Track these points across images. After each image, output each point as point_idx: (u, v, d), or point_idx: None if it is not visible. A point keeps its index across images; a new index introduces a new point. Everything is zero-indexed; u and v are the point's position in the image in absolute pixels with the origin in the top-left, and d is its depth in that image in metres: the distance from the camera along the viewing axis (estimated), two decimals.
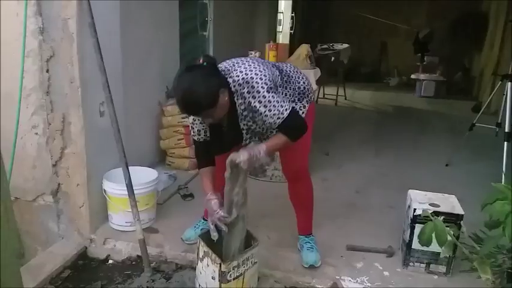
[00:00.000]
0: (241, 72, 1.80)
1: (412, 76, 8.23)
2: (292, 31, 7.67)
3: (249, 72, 1.79)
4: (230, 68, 1.83)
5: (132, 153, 2.57)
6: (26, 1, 2.08)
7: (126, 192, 2.20)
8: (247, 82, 1.77)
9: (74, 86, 2.18)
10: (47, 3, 2.12)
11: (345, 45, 6.91)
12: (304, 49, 3.65)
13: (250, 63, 1.85)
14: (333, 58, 6.68)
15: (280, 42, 7.15)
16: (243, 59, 1.91)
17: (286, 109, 1.80)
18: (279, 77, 1.93)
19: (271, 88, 1.79)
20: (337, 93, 6.77)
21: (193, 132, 1.99)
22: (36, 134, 2.29)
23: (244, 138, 1.98)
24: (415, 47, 8.31)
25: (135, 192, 2.22)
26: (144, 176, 2.51)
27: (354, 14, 8.94)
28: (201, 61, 1.73)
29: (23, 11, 2.09)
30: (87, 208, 2.35)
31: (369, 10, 8.82)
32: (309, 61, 3.60)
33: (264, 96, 1.77)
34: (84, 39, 2.14)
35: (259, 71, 1.80)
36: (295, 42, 7.10)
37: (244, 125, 1.92)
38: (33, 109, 2.25)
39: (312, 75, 3.41)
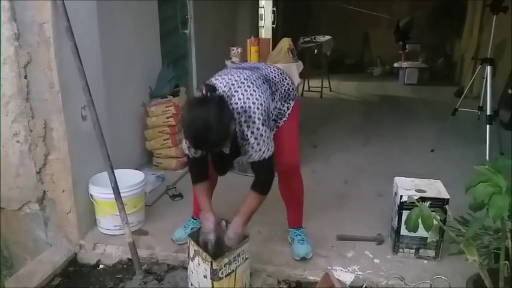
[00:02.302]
0: (239, 99, 1.79)
1: (395, 65, 8.30)
2: (274, 25, 7.66)
3: (247, 101, 1.79)
4: (228, 94, 1.81)
5: (118, 156, 2.55)
6: None
7: (113, 196, 2.18)
8: (245, 111, 1.78)
9: (53, 91, 2.14)
10: (21, 8, 2.07)
11: (328, 37, 6.92)
12: (285, 43, 3.63)
13: (246, 87, 1.83)
14: (316, 50, 6.70)
15: (263, 37, 7.15)
16: (237, 78, 1.87)
17: (269, 150, 1.84)
18: (269, 91, 1.92)
19: (265, 121, 1.81)
20: (321, 86, 6.80)
21: (189, 150, 1.93)
22: (18, 141, 2.25)
23: (234, 165, 2.02)
24: (396, 36, 8.37)
25: (122, 195, 2.20)
26: (131, 178, 2.49)
27: (336, 6, 8.96)
28: (203, 92, 1.71)
29: None
30: (74, 214, 2.32)
31: (351, 1, 8.85)
32: (290, 54, 3.59)
33: (258, 129, 1.79)
34: (62, 43, 2.10)
35: (256, 98, 1.80)
36: (278, 36, 7.10)
37: (241, 146, 1.91)
38: (14, 116, 2.21)
39: (295, 68, 3.40)
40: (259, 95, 1.82)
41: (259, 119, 1.79)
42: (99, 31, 2.46)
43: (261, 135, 1.80)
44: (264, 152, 1.82)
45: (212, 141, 1.66)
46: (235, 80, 1.86)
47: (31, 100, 2.18)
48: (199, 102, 1.70)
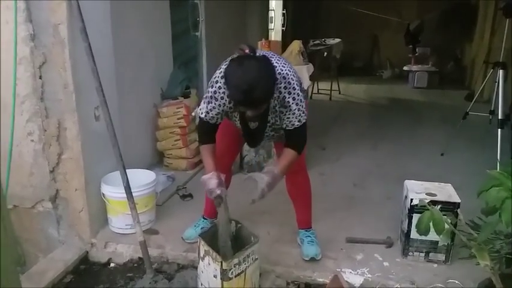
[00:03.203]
0: (275, 66, 1.80)
1: (405, 68, 8.26)
2: (284, 28, 7.67)
3: (283, 68, 1.83)
4: None
5: (130, 156, 2.58)
6: (15, 8, 2.08)
7: (125, 195, 2.20)
8: (284, 78, 1.82)
9: (68, 92, 2.18)
10: (37, 9, 2.11)
11: (337, 40, 6.92)
12: (296, 45, 3.65)
13: (278, 58, 1.89)
14: (325, 53, 6.70)
15: (273, 39, 7.15)
16: (266, 53, 1.92)
17: (305, 115, 1.90)
18: None
19: (301, 89, 1.87)
20: (331, 88, 6.79)
21: (206, 115, 1.91)
22: (32, 140, 2.28)
23: (265, 131, 2.00)
24: (406, 39, 8.33)
25: (133, 194, 2.22)
26: (142, 178, 2.52)
27: (345, 8, 8.94)
28: (247, 51, 1.69)
29: (13, 18, 2.08)
30: (86, 212, 2.35)
31: (360, 4, 8.84)
32: (301, 57, 3.61)
33: (298, 94, 1.84)
34: (76, 44, 2.14)
35: (289, 68, 1.86)
36: (287, 39, 7.11)
37: (271, 118, 1.94)
38: (28, 116, 2.25)
39: (305, 71, 3.41)
40: (290, 67, 1.88)
41: (297, 85, 1.85)
42: (112, 33, 2.49)
43: (301, 100, 1.86)
44: (302, 117, 1.88)
45: (259, 97, 1.66)
46: (266, 53, 1.90)
47: (45, 100, 2.22)
48: (248, 58, 1.68)
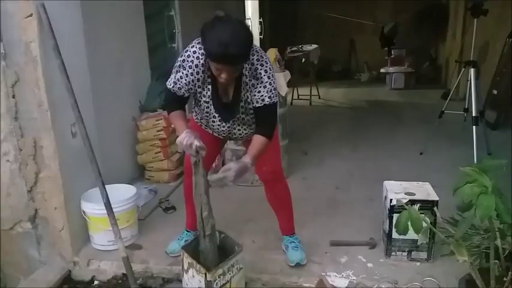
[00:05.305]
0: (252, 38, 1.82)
1: (382, 70, 8.39)
2: (261, 36, 7.72)
3: (255, 46, 1.85)
4: None
5: (110, 171, 2.55)
6: None
7: (105, 212, 2.17)
8: (257, 51, 1.84)
9: (42, 110, 2.15)
10: (7, 27, 2.08)
11: (314, 46, 7.00)
12: (272, 53, 3.68)
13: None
14: (303, 59, 6.76)
15: None
16: None
17: (276, 95, 1.89)
18: None
19: (273, 71, 1.90)
20: (310, 93, 6.85)
21: (174, 86, 1.89)
22: (8, 161, 2.24)
23: (240, 112, 1.96)
24: (381, 42, 8.47)
25: (114, 210, 2.19)
26: (123, 193, 2.49)
27: (322, 15, 9.06)
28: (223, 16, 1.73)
29: None
30: (67, 231, 2.31)
31: (336, 10, 8.96)
32: (277, 64, 3.64)
33: (271, 69, 1.86)
34: (49, 61, 2.11)
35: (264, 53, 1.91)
36: (265, 46, 7.15)
37: (243, 95, 1.91)
38: (3, 136, 2.21)
39: (282, 78, 3.43)
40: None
41: (268, 61, 1.86)
42: (87, 48, 2.47)
43: (273, 75, 1.86)
44: (274, 95, 1.87)
45: (237, 52, 1.64)
46: None
47: (20, 119, 2.19)
48: (226, 18, 1.71)
